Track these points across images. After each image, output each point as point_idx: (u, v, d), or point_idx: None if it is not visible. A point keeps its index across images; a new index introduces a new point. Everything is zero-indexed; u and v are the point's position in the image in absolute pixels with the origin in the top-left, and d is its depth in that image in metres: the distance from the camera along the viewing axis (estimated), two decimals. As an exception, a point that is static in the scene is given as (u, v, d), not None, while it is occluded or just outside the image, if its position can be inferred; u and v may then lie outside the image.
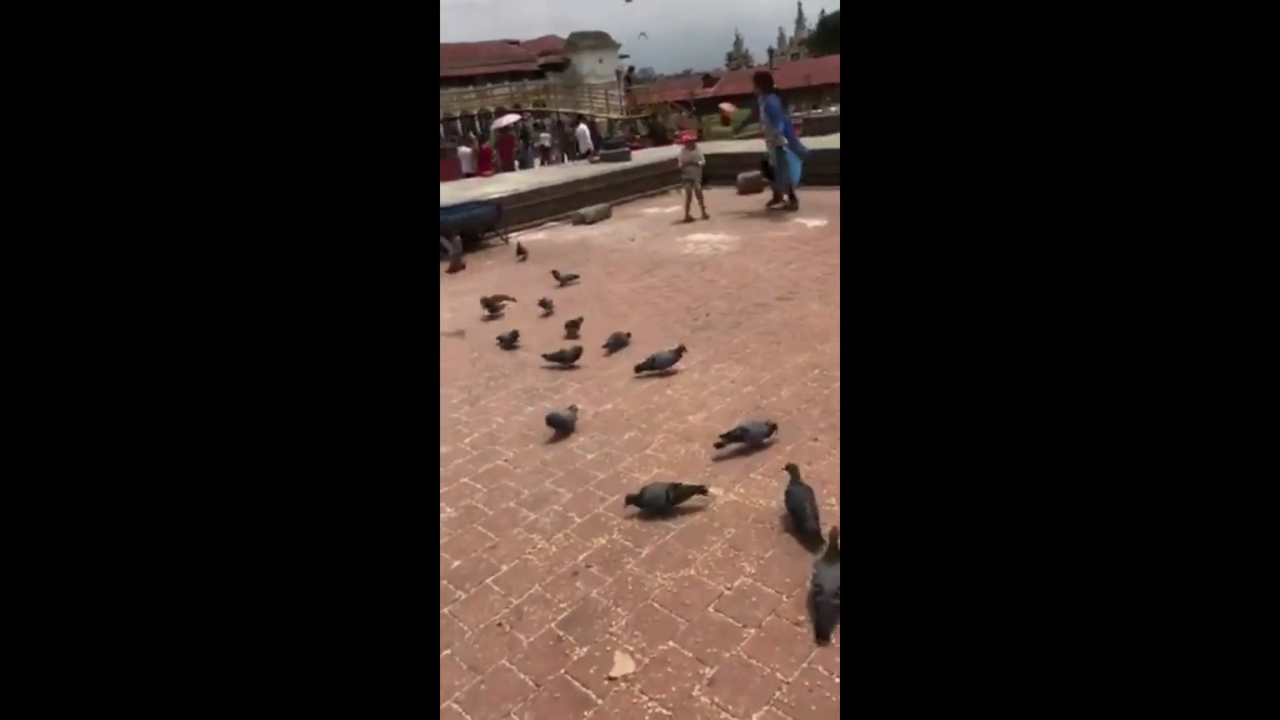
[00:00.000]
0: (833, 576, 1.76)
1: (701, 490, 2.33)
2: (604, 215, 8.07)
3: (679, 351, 3.45)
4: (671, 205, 8.13)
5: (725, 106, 19.76)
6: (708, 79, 42.18)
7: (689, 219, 7.11)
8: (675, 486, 2.31)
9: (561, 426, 2.93)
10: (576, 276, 5.40)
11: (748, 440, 2.65)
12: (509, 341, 4.06)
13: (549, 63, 39.99)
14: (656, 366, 3.41)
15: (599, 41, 41.13)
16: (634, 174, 9.33)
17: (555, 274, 5.37)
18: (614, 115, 18.22)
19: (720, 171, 7.65)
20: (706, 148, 10.17)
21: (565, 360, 3.65)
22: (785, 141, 6.87)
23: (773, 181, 7.22)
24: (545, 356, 3.72)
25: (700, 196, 7.26)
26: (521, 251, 6.41)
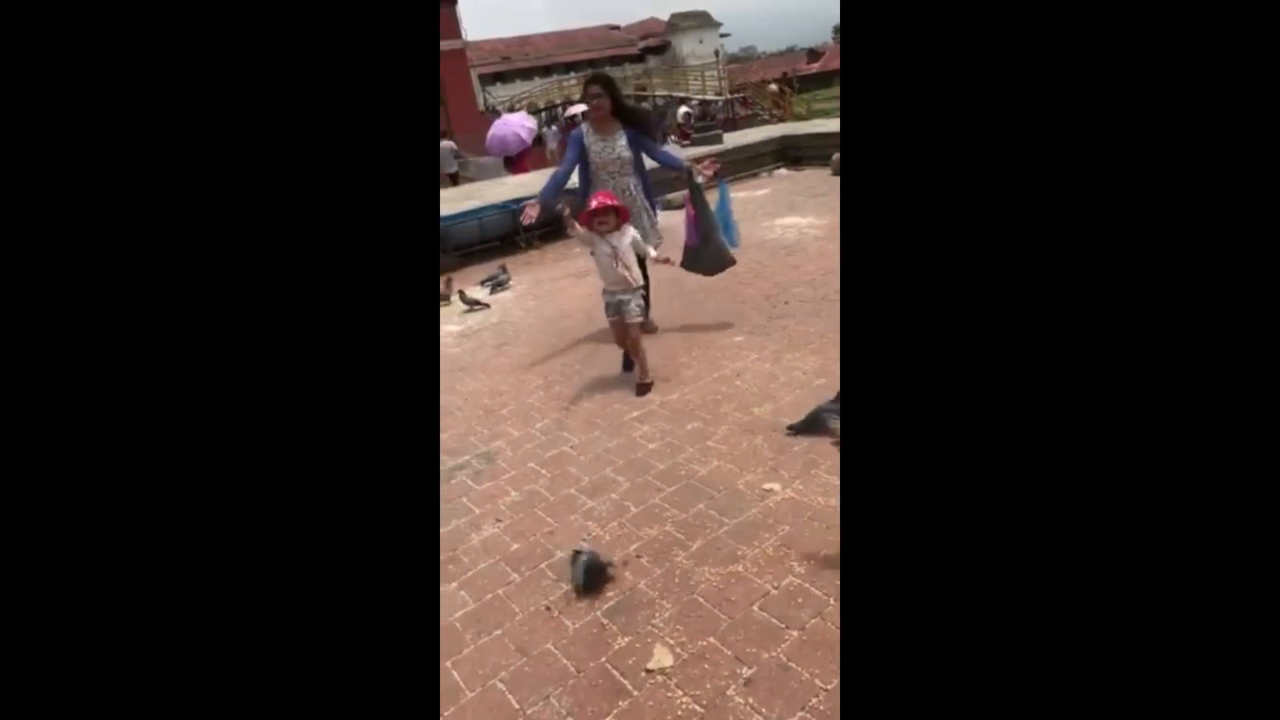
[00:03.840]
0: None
1: (611, 566, 2.04)
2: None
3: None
4: (761, 189, 7.96)
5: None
6: (812, 54, 40.78)
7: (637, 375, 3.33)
8: (592, 569, 1.99)
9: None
10: None
11: (819, 432, 2.55)
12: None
13: (649, 46, 39.94)
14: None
15: (700, 21, 40.63)
16: (726, 156, 9.17)
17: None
18: (710, 96, 17.99)
19: (810, 153, 7.34)
20: (793, 128, 9.81)
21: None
22: (699, 174, 3.69)
23: (700, 263, 3.91)
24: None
25: (635, 347, 3.29)
26: (477, 303, 4.98)
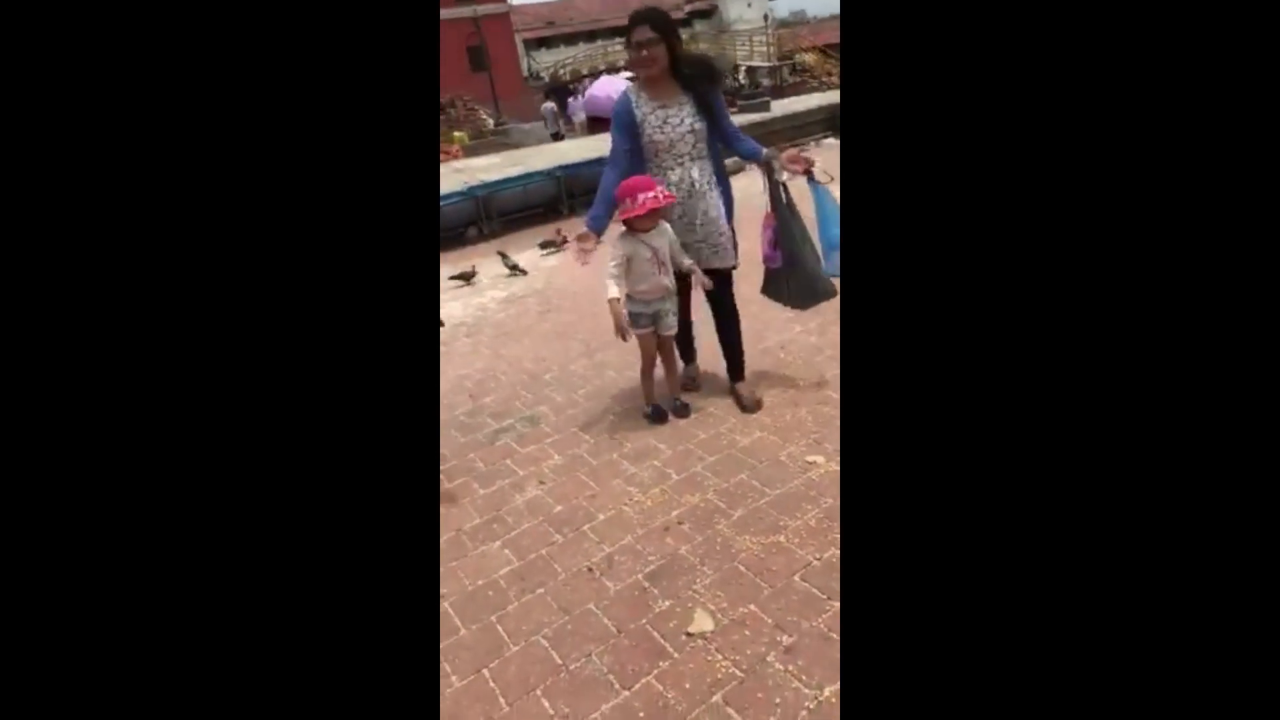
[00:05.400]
0: None
1: None
2: (738, 168, 7.88)
3: None
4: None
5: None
6: (865, 19, 39.31)
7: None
8: None
9: None
10: None
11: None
12: None
13: (696, 10, 39.06)
14: None
15: (749, -16, 39.46)
16: (772, 125, 9.00)
17: None
18: (757, 63, 17.56)
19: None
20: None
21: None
22: (784, 169, 2.54)
23: (784, 292, 2.74)
24: None
25: (670, 359, 2.77)
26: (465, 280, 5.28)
